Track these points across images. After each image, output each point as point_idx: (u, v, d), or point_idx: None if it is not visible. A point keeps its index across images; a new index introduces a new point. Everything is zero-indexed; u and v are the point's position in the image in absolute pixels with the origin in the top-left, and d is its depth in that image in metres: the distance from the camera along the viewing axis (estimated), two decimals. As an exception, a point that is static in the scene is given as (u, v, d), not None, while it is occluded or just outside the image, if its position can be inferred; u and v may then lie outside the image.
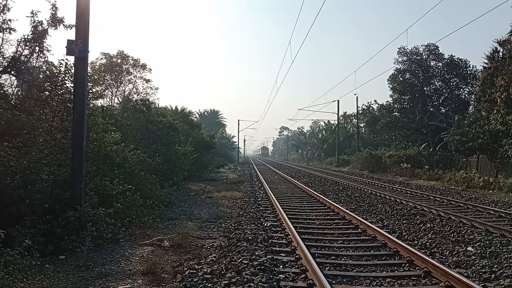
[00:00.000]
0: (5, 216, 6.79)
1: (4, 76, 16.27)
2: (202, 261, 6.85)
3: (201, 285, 5.58)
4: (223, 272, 6.06)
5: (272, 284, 5.52)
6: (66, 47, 8.28)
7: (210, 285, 5.57)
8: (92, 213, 7.86)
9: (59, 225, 7.40)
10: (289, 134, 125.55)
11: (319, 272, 5.81)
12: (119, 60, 29.95)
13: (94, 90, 12.02)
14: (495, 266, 6.63)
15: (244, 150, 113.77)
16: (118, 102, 29.89)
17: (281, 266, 6.64)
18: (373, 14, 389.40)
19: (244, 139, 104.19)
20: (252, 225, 10.01)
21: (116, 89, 29.88)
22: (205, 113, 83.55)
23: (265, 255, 6.98)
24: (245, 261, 6.46)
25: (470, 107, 39.48)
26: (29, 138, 8.89)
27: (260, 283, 5.45)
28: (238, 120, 79.22)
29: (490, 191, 20.28)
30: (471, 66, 40.31)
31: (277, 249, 7.79)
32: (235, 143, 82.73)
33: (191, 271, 6.18)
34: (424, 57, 41.91)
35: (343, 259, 7.24)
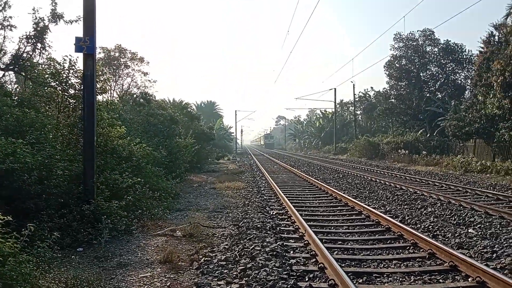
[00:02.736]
0: (23, 211, 7.03)
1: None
2: (215, 249, 7.13)
3: (217, 271, 5.85)
4: (237, 259, 6.34)
5: (285, 268, 5.79)
6: (74, 44, 8.42)
7: (226, 271, 5.85)
8: (106, 206, 8.12)
9: (75, 219, 7.64)
10: (286, 123, 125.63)
11: (329, 255, 6.06)
12: (116, 54, 29.98)
13: (99, 85, 12.17)
14: (496, 246, 6.94)
15: (242, 140, 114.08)
16: (117, 96, 29.99)
17: (291, 252, 6.91)
18: (370, 3, 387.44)
19: (242, 129, 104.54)
20: (258, 213, 10.28)
21: (114, 83, 29.97)
22: (202, 104, 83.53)
23: (275, 242, 7.24)
24: (257, 248, 6.73)
25: (467, 92, 39.78)
26: (40, 135, 9.09)
27: (274, 267, 5.72)
28: (235, 111, 79.36)
29: (488, 175, 20.65)
30: (467, 50, 40.59)
31: (286, 235, 8.06)
32: (233, 134, 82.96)
33: (206, 258, 6.47)
34: (420, 42, 42.09)
35: (350, 244, 7.53)
